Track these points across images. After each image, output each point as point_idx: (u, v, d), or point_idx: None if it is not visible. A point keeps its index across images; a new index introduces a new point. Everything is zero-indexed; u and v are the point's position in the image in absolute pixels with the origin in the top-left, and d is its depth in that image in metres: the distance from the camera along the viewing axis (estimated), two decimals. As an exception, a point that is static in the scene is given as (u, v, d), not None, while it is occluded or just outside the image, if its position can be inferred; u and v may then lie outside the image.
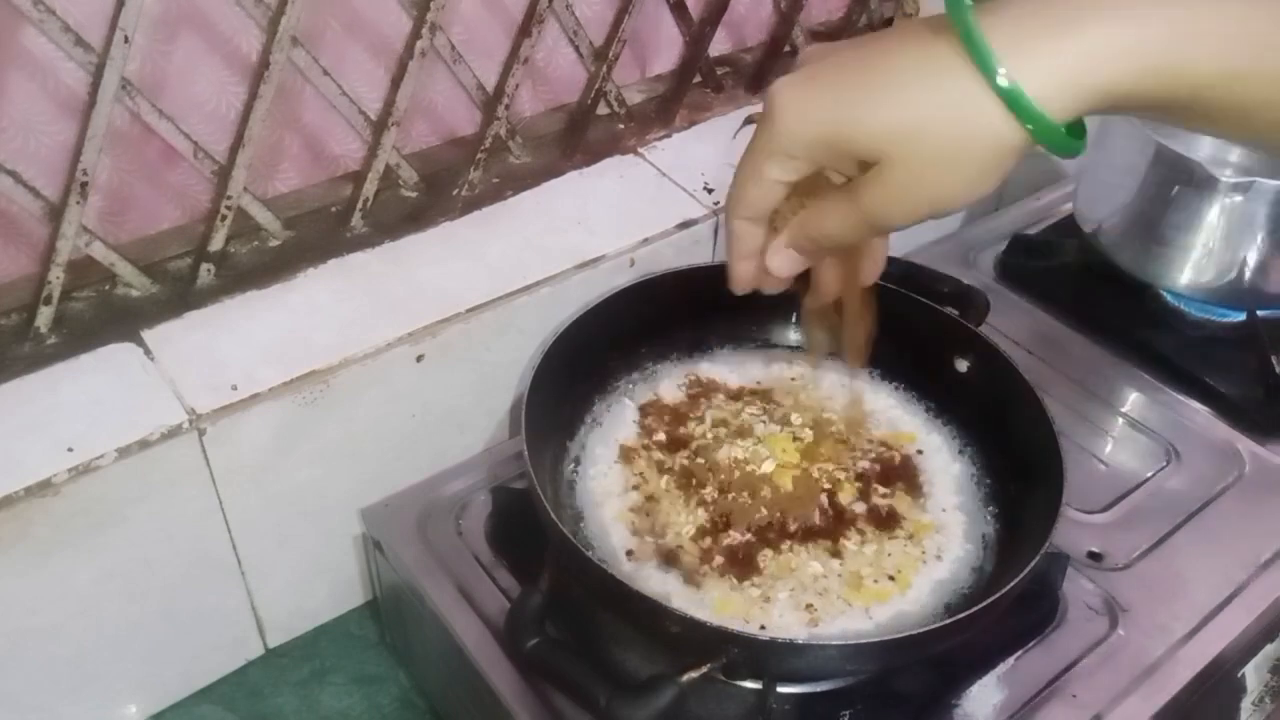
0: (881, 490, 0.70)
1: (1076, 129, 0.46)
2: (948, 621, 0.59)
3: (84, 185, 0.64)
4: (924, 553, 0.67)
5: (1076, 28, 0.43)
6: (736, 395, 0.77)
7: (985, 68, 0.43)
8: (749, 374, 0.79)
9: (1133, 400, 0.84)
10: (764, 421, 0.73)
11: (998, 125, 0.44)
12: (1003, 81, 0.43)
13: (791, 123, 0.48)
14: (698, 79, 0.92)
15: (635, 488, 0.70)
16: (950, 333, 0.75)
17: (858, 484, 0.70)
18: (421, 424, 0.74)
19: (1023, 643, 0.67)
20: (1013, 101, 0.43)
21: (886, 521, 0.68)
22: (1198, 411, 0.83)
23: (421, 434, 0.74)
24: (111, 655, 0.67)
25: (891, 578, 0.65)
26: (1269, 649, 0.72)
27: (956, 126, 0.45)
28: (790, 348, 0.81)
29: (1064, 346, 0.88)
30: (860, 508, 0.69)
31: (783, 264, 0.54)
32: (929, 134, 0.46)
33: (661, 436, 0.73)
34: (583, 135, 0.86)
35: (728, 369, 0.79)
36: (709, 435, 0.72)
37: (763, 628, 0.62)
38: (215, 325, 0.69)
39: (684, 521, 0.67)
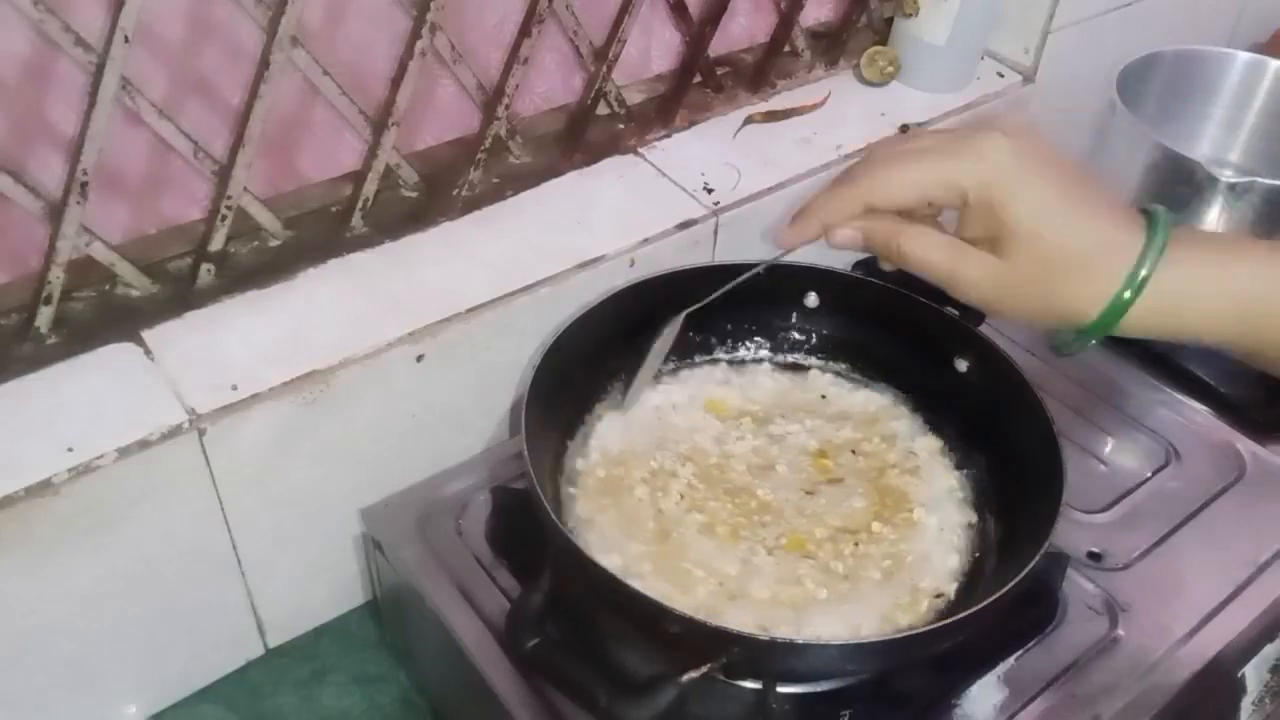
0: (881, 490, 0.70)
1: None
2: (948, 621, 0.59)
3: (84, 185, 0.64)
4: (924, 552, 0.67)
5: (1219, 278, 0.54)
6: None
7: (1130, 281, 0.52)
8: (748, 378, 0.79)
9: (1133, 400, 0.84)
10: (767, 437, 0.74)
11: (1085, 306, 0.53)
12: (1125, 295, 0.52)
13: (995, 162, 0.53)
14: (698, 79, 0.92)
15: (633, 490, 0.70)
16: (950, 333, 0.75)
17: (856, 483, 0.70)
18: (421, 424, 0.74)
19: (1023, 643, 0.67)
20: (1110, 311, 0.53)
21: (885, 521, 0.68)
22: (1198, 411, 0.83)
23: (421, 434, 0.74)
24: (111, 655, 0.67)
25: (891, 578, 0.65)
26: (1269, 649, 0.71)
27: (1070, 283, 0.53)
28: (789, 346, 0.81)
29: (1064, 347, 0.88)
30: (859, 507, 0.69)
31: (844, 235, 0.58)
32: (1064, 268, 0.53)
33: (661, 442, 0.73)
34: (583, 135, 0.86)
35: (727, 375, 0.79)
36: (707, 446, 0.73)
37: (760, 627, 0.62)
38: (215, 325, 0.69)
39: (686, 526, 0.67)
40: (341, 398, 0.68)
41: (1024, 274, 0.54)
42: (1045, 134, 0.56)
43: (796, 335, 0.81)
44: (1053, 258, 0.53)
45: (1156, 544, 0.73)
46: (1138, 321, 0.53)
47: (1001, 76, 1.02)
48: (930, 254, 0.56)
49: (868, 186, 0.57)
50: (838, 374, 0.79)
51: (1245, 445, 0.81)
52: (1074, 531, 0.73)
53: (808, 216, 0.59)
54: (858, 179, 0.57)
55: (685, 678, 0.56)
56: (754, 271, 0.68)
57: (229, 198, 0.70)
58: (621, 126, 0.88)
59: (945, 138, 0.56)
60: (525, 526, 0.64)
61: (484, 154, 0.80)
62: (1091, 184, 0.55)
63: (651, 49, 0.93)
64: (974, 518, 0.70)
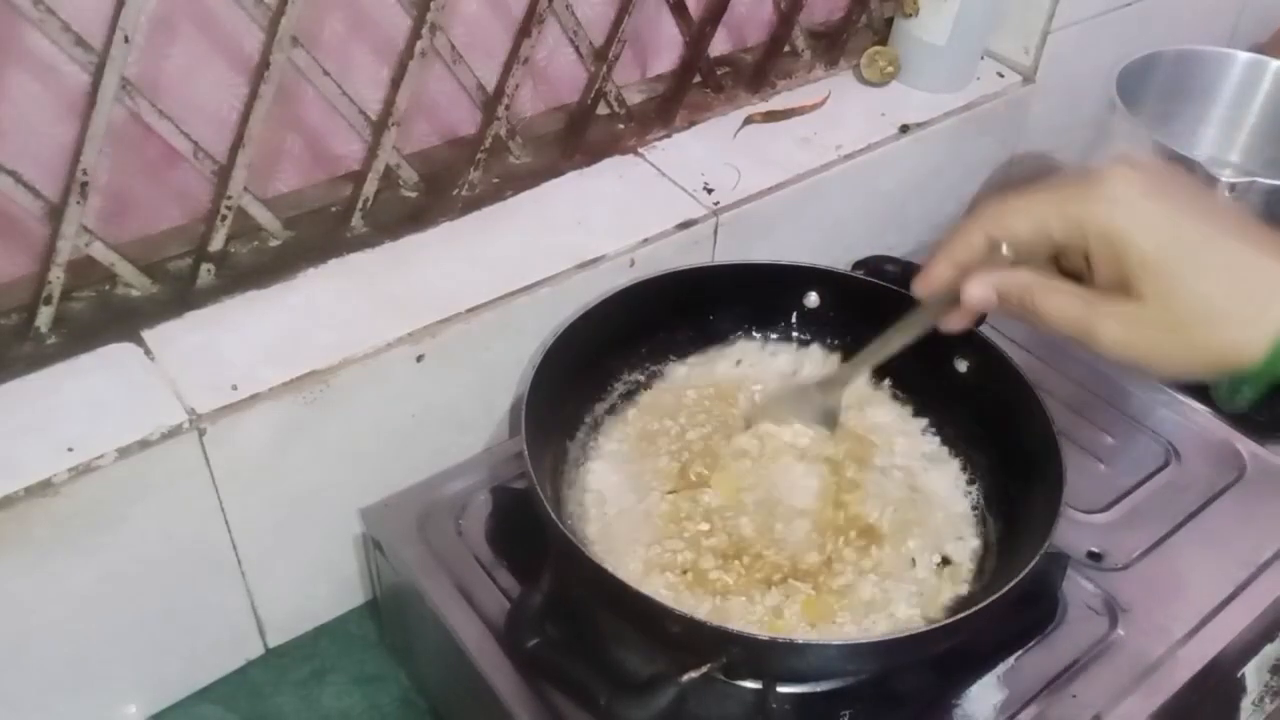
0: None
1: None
2: (948, 621, 0.59)
3: (84, 185, 0.64)
4: (924, 553, 0.67)
5: None
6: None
7: None
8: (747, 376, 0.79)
9: (1133, 400, 0.84)
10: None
11: (1253, 348, 0.47)
12: None
13: (1119, 202, 0.50)
14: (698, 79, 0.92)
15: (633, 491, 0.70)
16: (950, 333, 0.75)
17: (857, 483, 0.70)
18: (421, 424, 0.74)
19: (1023, 643, 0.67)
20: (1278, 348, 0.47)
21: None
22: (1198, 411, 0.83)
23: (421, 434, 0.74)
24: (111, 655, 0.68)
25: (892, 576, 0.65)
26: (1269, 649, 0.72)
27: (1225, 325, 0.48)
28: (790, 345, 0.81)
29: (1064, 346, 0.88)
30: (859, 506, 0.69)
31: (978, 295, 0.54)
32: (1208, 312, 0.48)
33: (664, 444, 0.73)
34: (583, 135, 0.86)
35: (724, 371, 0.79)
36: (707, 442, 0.73)
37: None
38: (215, 325, 0.69)
39: (688, 530, 0.67)
40: (341, 398, 0.68)
41: (1169, 316, 0.49)
42: (1171, 169, 0.52)
43: (796, 335, 0.81)
44: (1196, 292, 0.48)
45: (1156, 544, 0.73)
46: None
47: (1001, 76, 1.02)
48: (1066, 309, 0.52)
49: (987, 216, 0.54)
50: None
51: (1245, 445, 0.81)
52: (1074, 531, 0.73)
53: (935, 258, 0.57)
54: (979, 213, 0.55)
55: (685, 678, 0.56)
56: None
57: (229, 198, 0.70)
58: (621, 126, 0.88)
59: (1073, 175, 0.53)
60: (525, 526, 0.64)
61: (484, 154, 0.80)
62: (1230, 212, 0.51)
63: (651, 49, 0.93)
64: (974, 518, 0.70)
